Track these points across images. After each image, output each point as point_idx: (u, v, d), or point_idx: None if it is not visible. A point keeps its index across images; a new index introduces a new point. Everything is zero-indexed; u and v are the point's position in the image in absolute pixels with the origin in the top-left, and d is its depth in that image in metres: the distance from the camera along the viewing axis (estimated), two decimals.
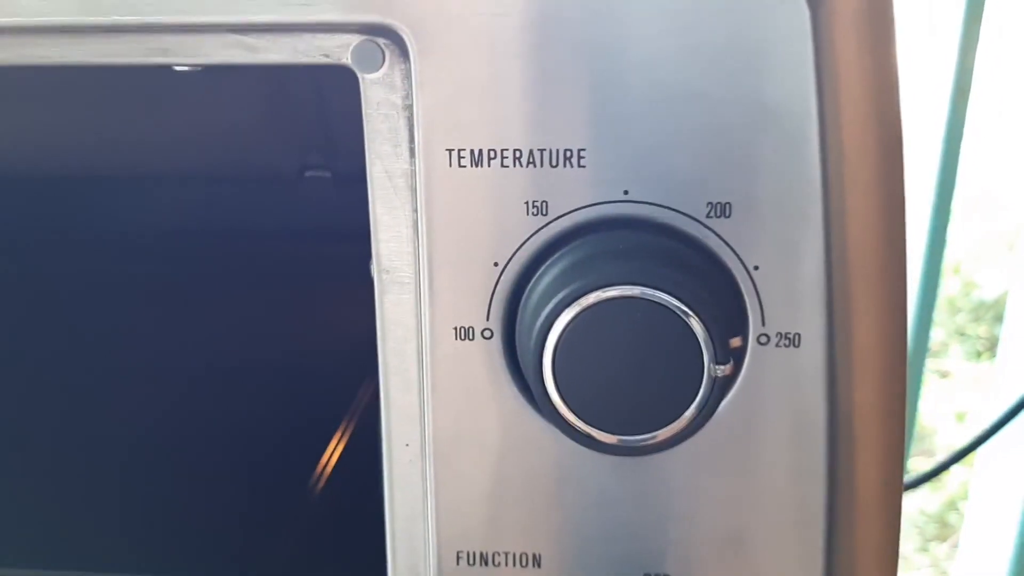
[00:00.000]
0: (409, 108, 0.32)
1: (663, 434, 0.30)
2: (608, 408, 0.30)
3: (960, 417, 2.04)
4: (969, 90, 0.94)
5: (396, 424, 0.35)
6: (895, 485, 0.35)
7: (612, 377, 0.30)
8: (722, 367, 0.29)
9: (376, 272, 0.34)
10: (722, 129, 0.30)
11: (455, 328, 0.32)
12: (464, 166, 0.31)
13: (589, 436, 0.31)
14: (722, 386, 0.30)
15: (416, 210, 0.32)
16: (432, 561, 0.34)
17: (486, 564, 0.34)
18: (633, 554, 0.34)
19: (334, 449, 0.53)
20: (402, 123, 0.32)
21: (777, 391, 0.32)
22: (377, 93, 0.32)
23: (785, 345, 0.31)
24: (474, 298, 0.32)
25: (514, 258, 0.31)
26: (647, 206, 0.31)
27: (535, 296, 0.31)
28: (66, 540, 0.49)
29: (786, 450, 0.33)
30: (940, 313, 2.23)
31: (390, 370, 0.34)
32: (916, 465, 2.11)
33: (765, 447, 0.33)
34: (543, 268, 0.31)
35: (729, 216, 0.31)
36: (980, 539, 1.11)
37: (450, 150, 0.31)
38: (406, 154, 0.32)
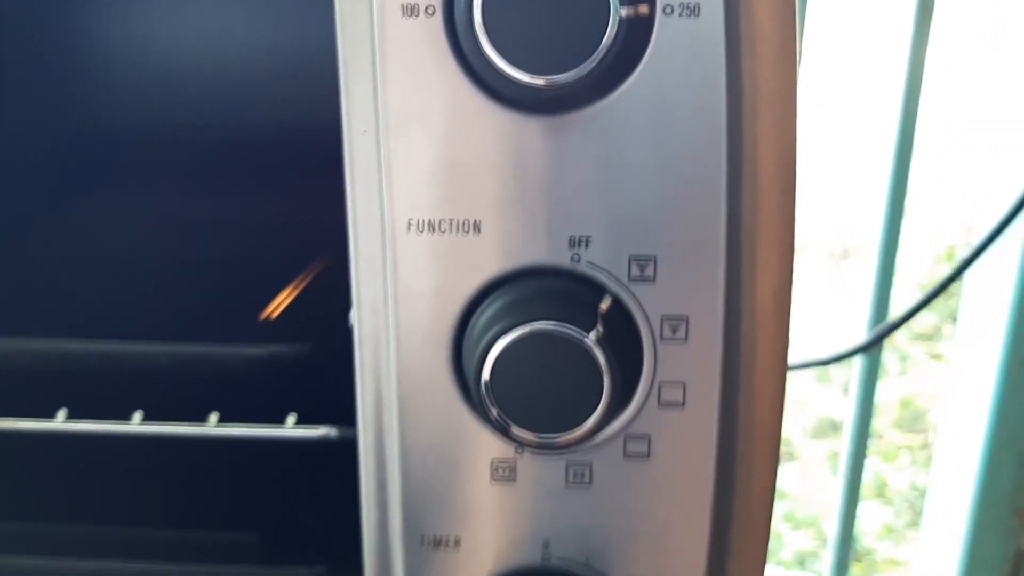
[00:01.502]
0: None
1: (579, 74, 0.35)
2: (533, 55, 0.35)
3: None
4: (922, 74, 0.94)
5: (355, 114, 0.39)
6: (789, 161, 0.39)
7: (535, 26, 0.35)
8: (625, 8, 0.34)
9: None
10: None
11: (401, 6, 0.37)
12: None
13: (517, 85, 0.35)
14: (627, 30, 0.35)
15: None
16: (388, 230, 0.39)
17: (432, 230, 0.39)
18: (560, 217, 0.38)
19: (282, 301, 0.57)
20: None
21: (682, 63, 0.37)
22: None
23: (687, 15, 0.36)
24: None
25: None
26: None
27: None
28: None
29: (691, 122, 0.37)
30: None
31: (348, 62, 0.39)
32: (910, 441, 2.14)
33: (672, 120, 0.37)
34: None
35: None
36: (941, 512, 1.14)
37: None
38: None
